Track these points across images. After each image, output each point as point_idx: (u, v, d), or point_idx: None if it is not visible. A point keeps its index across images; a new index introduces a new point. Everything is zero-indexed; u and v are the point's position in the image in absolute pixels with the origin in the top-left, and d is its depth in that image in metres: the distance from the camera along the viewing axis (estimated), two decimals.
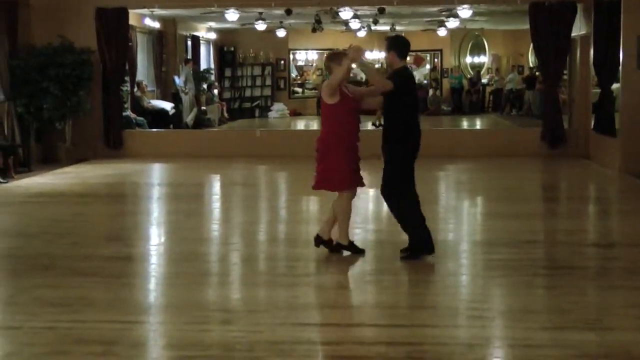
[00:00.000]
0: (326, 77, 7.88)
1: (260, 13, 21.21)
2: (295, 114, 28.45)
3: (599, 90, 15.86)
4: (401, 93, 7.66)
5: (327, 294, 6.89)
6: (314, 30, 23.30)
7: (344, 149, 7.82)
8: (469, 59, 31.43)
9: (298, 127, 24.66)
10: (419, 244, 7.81)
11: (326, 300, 6.71)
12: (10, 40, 15.77)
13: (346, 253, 7.94)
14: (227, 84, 28.78)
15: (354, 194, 7.99)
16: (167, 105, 21.19)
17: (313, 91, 29.53)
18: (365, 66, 8.33)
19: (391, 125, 7.89)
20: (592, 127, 16.15)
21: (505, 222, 9.89)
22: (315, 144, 7.95)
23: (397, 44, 8.05)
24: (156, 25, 21.47)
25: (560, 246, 8.76)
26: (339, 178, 7.81)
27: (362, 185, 8.04)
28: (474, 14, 21.38)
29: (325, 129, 7.98)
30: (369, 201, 11.72)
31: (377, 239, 8.98)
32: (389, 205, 7.98)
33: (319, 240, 7.99)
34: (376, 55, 32.29)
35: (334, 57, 7.99)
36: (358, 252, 8.00)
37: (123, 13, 17.10)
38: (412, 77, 8.34)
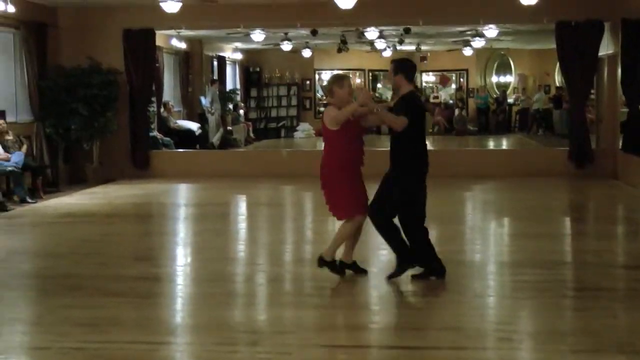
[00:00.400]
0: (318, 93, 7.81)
1: (286, 33, 21.33)
2: (321, 134, 28.45)
3: (627, 110, 15.75)
4: (410, 122, 7.54)
5: (354, 315, 6.86)
6: (339, 50, 23.38)
7: (347, 175, 7.74)
8: (495, 79, 31.36)
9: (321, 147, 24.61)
10: (431, 265, 7.81)
11: (354, 322, 6.68)
12: (40, 62, 15.95)
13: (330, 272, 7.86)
14: (252, 104, 28.91)
15: (361, 220, 7.85)
16: (194, 126, 21.31)
17: None
18: (374, 110, 7.93)
19: (399, 154, 7.78)
20: (620, 146, 16.03)
21: (532, 243, 9.82)
22: (320, 169, 7.86)
23: (405, 67, 7.92)
24: (183, 45, 21.63)
25: (589, 267, 8.66)
26: (344, 205, 7.74)
27: (365, 213, 7.87)
28: (500, 33, 21.36)
29: (327, 154, 7.90)
30: (395, 222, 11.68)
31: None
32: (377, 227, 7.90)
33: (343, 266, 7.94)
34: None
35: (337, 80, 7.94)
36: (339, 272, 7.88)
37: (150, 34, 17.24)
38: (421, 103, 8.21)
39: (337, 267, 7.91)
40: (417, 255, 7.82)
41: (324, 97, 30.08)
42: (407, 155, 7.73)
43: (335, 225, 11.26)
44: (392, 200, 7.74)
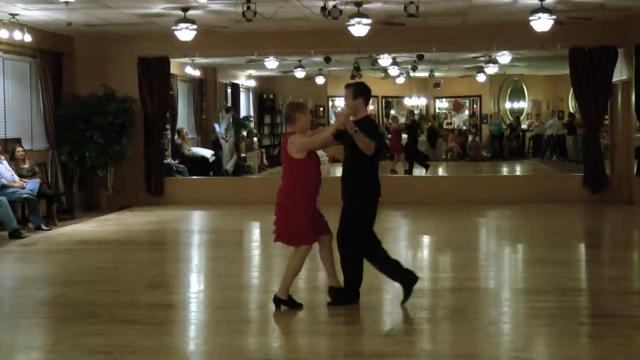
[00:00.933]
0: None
1: (300, 61, 21.44)
2: (334, 160, 28.53)
3: None
4: (376, 147, 7.52)
5: (368, 343, 6.83)
6: (352, 77, 23.46)
7: (307, 203, 7.69)
8: (508, 105, 31.38)
9: (337, 173, 24.64)
10: (349, 291, 7.82)
11: (368, 349, 6.65)
12: (55, 90, 16.10)
13: (284, 308, 7.75)
14: (266, 130, 28.98)
15: (310, 250, 7.82)
16: (208, 153, 21.40)
17: None
18: (353, 130, 7.62)
19: (352, 178, 7.77)
20: (634, 172, 15.97)
21: (547, 269, 9.78)
22: (277, 195, 7.77)
23: (364, 91, 7.89)
24: (197, 73, 21.78)
25: (605, 294, 8.61)
26: (301, 233, 7.66)
27: (328, 232, 7.87)
28: (513, 59, 21.41)
29: (289, 181, 7.78)
30: (405, 249, 11.70)
31: (417, 287, 8.90)
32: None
33: (333, 292, 7.91)
34: (415, 101, 32.40)
35: (297, 107, 7.91)
36: (296, 306, 7.81)
37: (164, 62, 17.37)
38: (378, 128, 8.16)
39: (294, 301, 7.84)
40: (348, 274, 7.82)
41: None
42: (360, 182, 7.72)
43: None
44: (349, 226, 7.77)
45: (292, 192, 7.68)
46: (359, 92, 7.86)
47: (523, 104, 31.41)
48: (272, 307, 8.23)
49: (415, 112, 32.41)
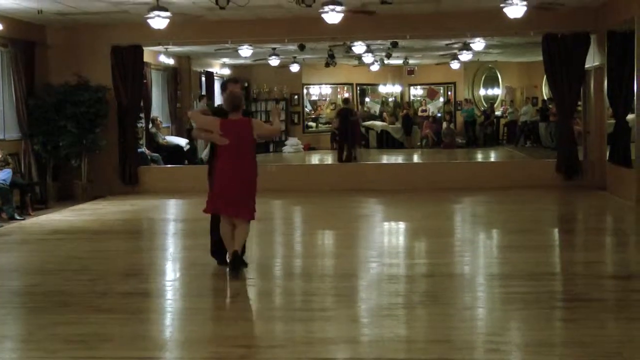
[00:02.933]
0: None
1: (274, 49, 21.38)
2: (310, 148, 28.55)
3: (614, 121, 15.83)
4: None
5: (343, 329, 6.85)
6: (327, 64, 23.48)
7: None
8: (482, 92, 31.49)
9: (312, 161, 24.70)
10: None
11: (343, 335, 6.67)
12: (28, 79, 15.96)
13: None
14: None
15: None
16: (182, 141, 21.31)
17: (327, 125, 29.67)
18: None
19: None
20: (607, 158, 16.10)
21: (521, 254, 9.85)
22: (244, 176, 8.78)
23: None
24: (171, 61, 21.68)
25: (578, 278, 8.69)
26: (254, 208, 8.90)
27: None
28: (487, 46, 21.47)
29: (251, 163, 8.88)
30: (380, 236, 11.74)
31: (392, 273, 8.96)
32: None
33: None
34: (389, 89, 32.44)
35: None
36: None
37: (138, 50, 17.28)
38: None
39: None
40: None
41: (312, 112, 30.21)
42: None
43: (325, 239, 11.34)
44: None
45: (253, 173, 8.97)
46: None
47: (497, 91, 31.52)
48: (249, 294, 8.27)
49: (390, 99, 32.53)
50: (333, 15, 13.40)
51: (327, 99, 31.15)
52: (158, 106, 21.79)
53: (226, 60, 26.15)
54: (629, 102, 15.05)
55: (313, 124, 30.65)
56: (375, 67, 27.54)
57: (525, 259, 9.50)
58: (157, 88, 21.80)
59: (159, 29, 14.33)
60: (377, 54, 23.61)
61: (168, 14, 13.88)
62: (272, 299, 8.11)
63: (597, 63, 16.40)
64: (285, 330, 6.85)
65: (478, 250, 10.90)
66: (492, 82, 31.46)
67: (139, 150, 18.20)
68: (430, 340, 6.48)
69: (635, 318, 6.96)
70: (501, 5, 13.43)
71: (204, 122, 9.10)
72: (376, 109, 31.77)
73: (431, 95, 32.64)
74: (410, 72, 31.83)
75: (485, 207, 14.87)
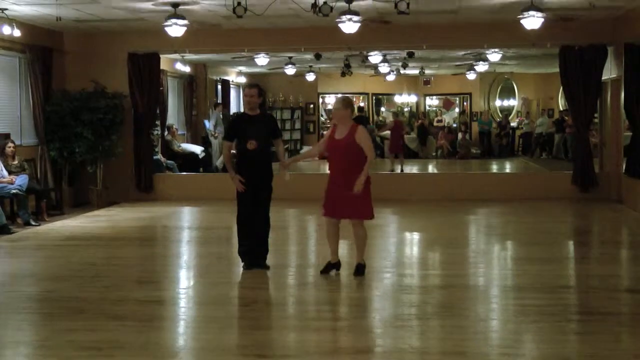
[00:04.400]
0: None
1: (290, 57, 21.42)
2: (324, 157, 28.50)
3: (630, 134, 15.77)
4: None
5: (357, 339, 6.83)
6: (343, 74, 23.50)
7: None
8: (498, 102, 31.43)
9: (327, 170, 24.61)
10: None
11: (357, 345, 6.66)
12: (45, 86, 16.04)
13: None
14: None
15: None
16: (197, 149, 21.37)
17: None
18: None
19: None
20: (623, 170, 16.02)
21: (537, 267, 9.80)
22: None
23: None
24: (187, 69, 21.75)
25: (594, 292, 8.64)
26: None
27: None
28: (504, 57, 21.44)
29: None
30: (394, 246, 11.71)
31: (407, 284, 8.94)
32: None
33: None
34: (405, 99, 32.43)
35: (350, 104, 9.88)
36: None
37: (155, 58, 17.33)
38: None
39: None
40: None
41: (327, 121, 30.23)
42: None
43: (340, 248, 11.32)
44: None
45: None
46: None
47: (513, 102, 31.45)
48: (262, 302, 8.27)
49: (406, 109, 32.49)
50: (350, 25, 13.41)
51: None
52: (174, 114, 21.86)
53: (242, 68, 26.21)
54: None
55: None
56: (391, 77, 27.55)
57: (541, 271, 9.46)
58: (173, 95, 21.87)
59: (176, 37, 14.41)
60: (393, 63, 23.61)
61: (185, 22, 13.95)
62: (286, 308, 8.10)
63: (614, 75, 16.34)
64: (299, 339, 6.83)
65: (493, 261, 10.86)
66: (508, 93, 31.40)
67: (155, 157, 18.24)
68: (444, 352, 6.45)
69: None
70: (518, 16, 13.42)
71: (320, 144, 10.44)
72: (391, 118, 31.76)
73: (447, 105, 32.61)
74: (427, 82, 31.82)
75: (501, 219, 14.81)
